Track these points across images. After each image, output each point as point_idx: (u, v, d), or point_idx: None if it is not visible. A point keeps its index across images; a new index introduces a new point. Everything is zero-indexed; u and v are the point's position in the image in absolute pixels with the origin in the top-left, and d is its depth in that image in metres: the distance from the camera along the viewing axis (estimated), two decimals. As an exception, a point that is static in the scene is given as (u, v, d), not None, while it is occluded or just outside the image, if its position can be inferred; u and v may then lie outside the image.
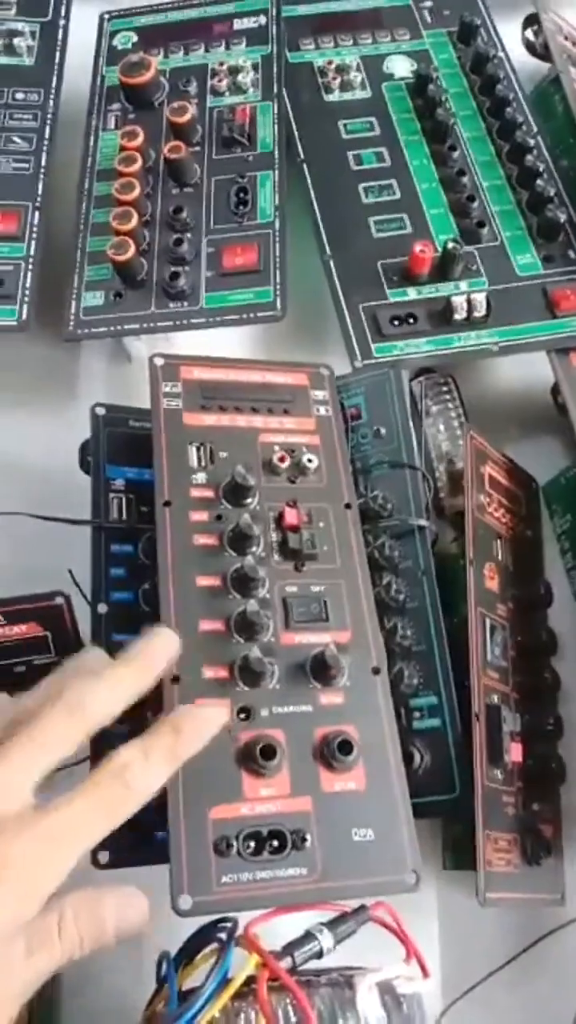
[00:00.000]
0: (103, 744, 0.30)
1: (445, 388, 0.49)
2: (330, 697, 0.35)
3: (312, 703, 0.34)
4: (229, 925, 0.31)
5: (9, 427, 0.48)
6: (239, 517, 0.37)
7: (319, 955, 0.31)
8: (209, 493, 0.37)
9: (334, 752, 0.33)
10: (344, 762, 0.33)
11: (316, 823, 0.32)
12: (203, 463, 0.38)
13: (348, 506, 0.39)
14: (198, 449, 0.38)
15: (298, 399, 0.41)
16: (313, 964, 0.31)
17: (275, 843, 0.32)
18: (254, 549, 0.37)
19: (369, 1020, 0.30)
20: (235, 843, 0.31)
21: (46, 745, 0.28)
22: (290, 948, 0.31)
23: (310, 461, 0.39)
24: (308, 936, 0.31)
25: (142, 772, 0.28)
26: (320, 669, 0.35)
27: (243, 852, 0.31)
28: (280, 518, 0.38)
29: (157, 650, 0.31)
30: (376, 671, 0.36)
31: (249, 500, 0.38)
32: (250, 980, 0.29)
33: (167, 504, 0.37)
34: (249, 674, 0.34)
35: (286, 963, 0.30)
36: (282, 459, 0.39)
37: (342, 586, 0.37)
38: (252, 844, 0.32)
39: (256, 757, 0.32)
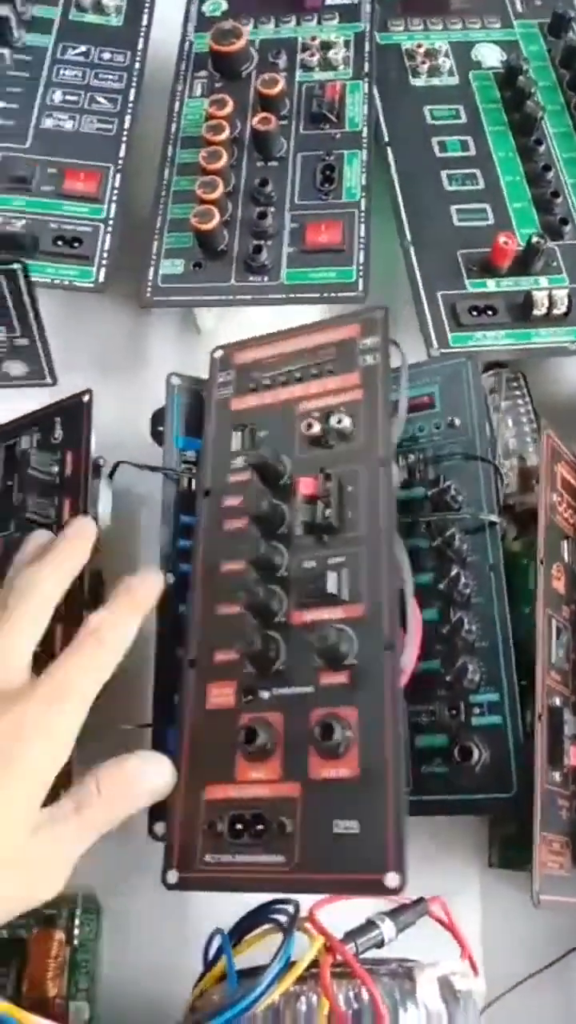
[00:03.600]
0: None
1: (515, 384, 0.49)
2: (334, 677, 0.33)
3: (315, 684, 0.33)
4: (290, 908, 0.31)
5: (81, 387, 0.48)
6: (261, 498, 0.36)
7: (380, 944, 0.31)
8: (245, 476, 0.37)
9: (318, 736, 0.31)
10: (329, 747, 0.31)
11: (300, 810, 0.31)
12: (245, 446, 0.37)
13: (383, 463, 0.35)
14: (241, 433, 0.38)
15: (344, 355, 0.38)
16: (371, 954, 0.31)
17: (259, 827, 0.31)
18: (281, 529, 0.35)
19: (430, 1012, 0.29)
20: (221, 824, 0.31)
21: (38, 616, 0.32)
22: (352, 935, 0.30)
23: (340, 422, 0.36)
24: (370, 924, 0.31)
25: (111, 628, 0.32)
26: (325, 649, 0.33)
27: (227, 834, 0.31)
28: (301, 488, 0.36)
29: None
30: (390, 646, 0.32)
31: (281, 474, 0.36)
32: (312, 964, 0.29)
33: (207, 493, 0.37)
34: (254, 657, 0.33)
35: (349, 949, 0.30)
36: (309, 426, 0.37)
37: (363, 555, 0.34)
38: (238, 827, 0.31)
39: (244, 740, 0.32)
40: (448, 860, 0.42)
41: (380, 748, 0.31)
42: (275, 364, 0.39)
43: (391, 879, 0.29)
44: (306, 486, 0.35)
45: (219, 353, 0.39)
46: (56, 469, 0.41)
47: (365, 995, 0.29)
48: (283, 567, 0.34)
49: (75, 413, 0.42)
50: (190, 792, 0.32)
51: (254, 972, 0.30)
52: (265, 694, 0.33)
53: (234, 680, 0.34)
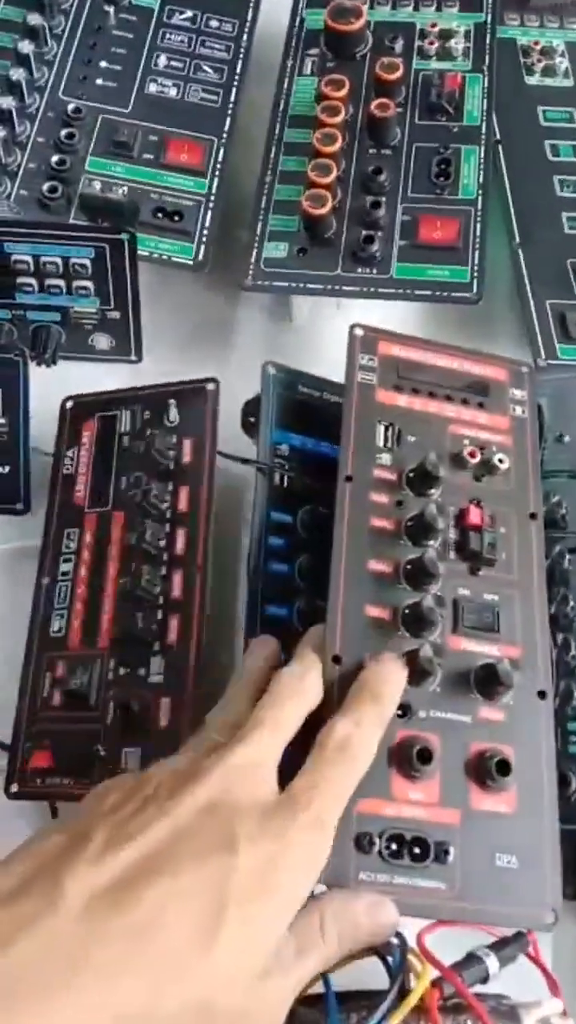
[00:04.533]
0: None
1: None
2: (491, 712, 0.33)
3: (471, 715, 0.32)
4: (394, 937, 0.29)
5: (164, 368, 0.46)
6: (423, 506, 0.34)
7: (485, 980, 0.30)
8: (392, 476, 0.35)
9: (490, 771, 0.31)
10: (499, 783, 0.31)
11: (461, 839, 0.31)
12: (389, 444, 0.36)
13: (533, 516, 0.36)
14: (386, 429, 0.36)
15: (495, 395, 0.38)
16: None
17: (417, 850, 0.30)
18: (432, 543, 0.35)
19: (538, 1055, 0.28)
20: (377, 841, 0.30)
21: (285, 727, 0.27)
22: (458, 968, 0.29)
23: (501, 462, 0.37)
24: (474, 958, 0.30)
25: (359, 742, 0.29)
26: (487, 682, 0.33)
27: (384, 852, 0.30)
28: (462, 515, 0.35)
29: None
30: (542, 695, 0.34)
31: (433, 491, 0.35)
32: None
33: (349, 479, 0.35)
34: (415, 671, 0.32)
35: (461, 984, 0.28)
36: (472, 454, 0.36)
37: (516, 598, 0.35)
38: (394, 846, 0.30)
39: (411, 758, 0.31)
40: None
41: (539, 789, 0.32)
42: (426, 372, 0.37)
43: (547, 916, 0.30)
44: (474, 515, 0.35)
45: (360, 332, 0.37)
46: (173, 454, 0.39)
47: (471, 1032, 0.27)
48: (437, 587, 0.34)
49: (197, 399, 0.40)
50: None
51: (348, 998, 0.29)
52: (423, 713, 0.32)
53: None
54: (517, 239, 0.46)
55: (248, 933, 0.24)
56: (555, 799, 0.32)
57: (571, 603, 0.38)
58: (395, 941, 0.29)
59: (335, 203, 0.44)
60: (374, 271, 0.43)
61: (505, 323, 0.48)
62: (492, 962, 0.30)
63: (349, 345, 0.37)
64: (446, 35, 0.49)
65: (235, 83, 0.47)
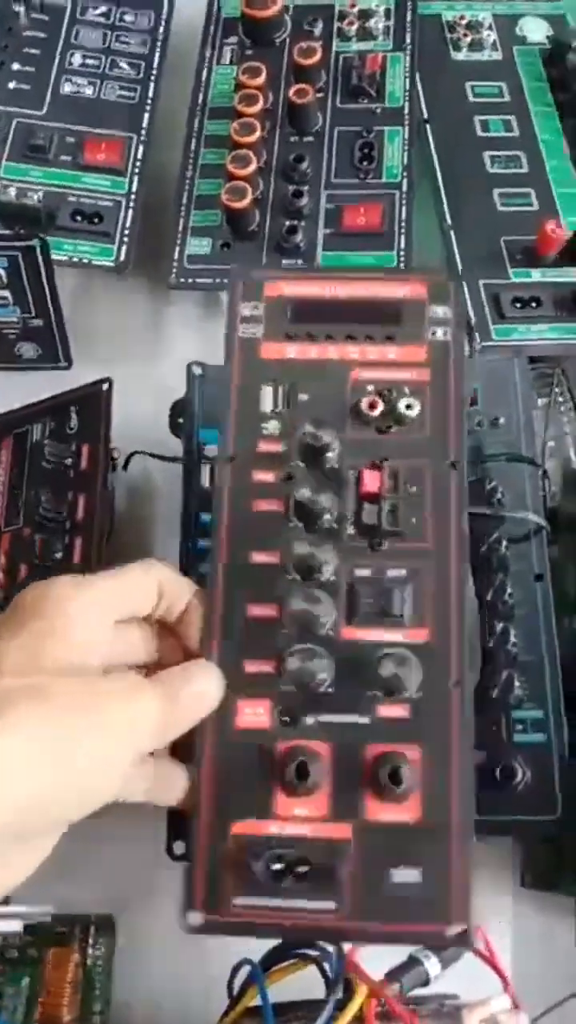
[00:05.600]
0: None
1: (555, 381, 0.46)
2: (393, 710, 0.29)
3: (370, 715, 0.29)
4: (330, 948, 0.29)
5: (97, 372, 0.45)
6: (306, 483, 0.30)
7: (425, 983, 0.29)
8: (278, 447, 0.31)
9: (383, 779, 0.28)
10: (396, 790, 0.28)
11: (353, 855, 0.27)
12: (278, 407, 0.31)
13: (454, 465, 0.31)
14: (275, 390, 0.31)
15: (409, 320, 0.32)
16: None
17: (302, 870, 0.27)
18: (327, 518, 0.30)
19: (478, 1057, 0.27)
20: (258, 864, 0.27)
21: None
22: (396, 974, 0.29)
23: (409, 408, 0.31)
24: (413, 962, 0.29)
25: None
26: (383, 676, 0.29)
27: (265, 875, 0.27)
28: (359, 482, 0.30)
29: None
30: (457, 684, 0.29)
31: (330, 455, 0.31)
32: (355, 1006, 0.27)
33: (231, 459, 0.30)
34: (297, 672, 0.29)
35: (392, 991, 0.28)
36: (372, 405, 0.31)
37: (429, 571, 0.30)
38: (277, 867, 0.27)
39: (291, 774, 0.28)
40: (478, 880, 0.40)
41: (446, 792, 0.28)
42: (323, 311, 0.32)
43: (454, 930, 0.27)
44: (371, 481, 0.30)
45: (242, 277, 0.32)
46: (70, 462, 0.38)
47: (410, 1038, 0.27)
48: (331, 571, 0.30)
49: (93, 403, 0.39)
50: (215, 825, 0.28)
51: (286, 1009, 0.28)
52: (310, 720, 0.29)
53: (268, 698, 0.29)
54: (448, 220, 0.45)
55: None
56: (470, 802, 0.28)
57: (508, 590, 0.37)
58: (332, 950, 0.29)
59: (257, 195, 0.43)
60: (299, 262, 0.42)
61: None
62: (432, 965, 0.29)
63: (230, 297, 0.32)
64: (366, 15, 0.48)
65: (152, 78, 0.46)
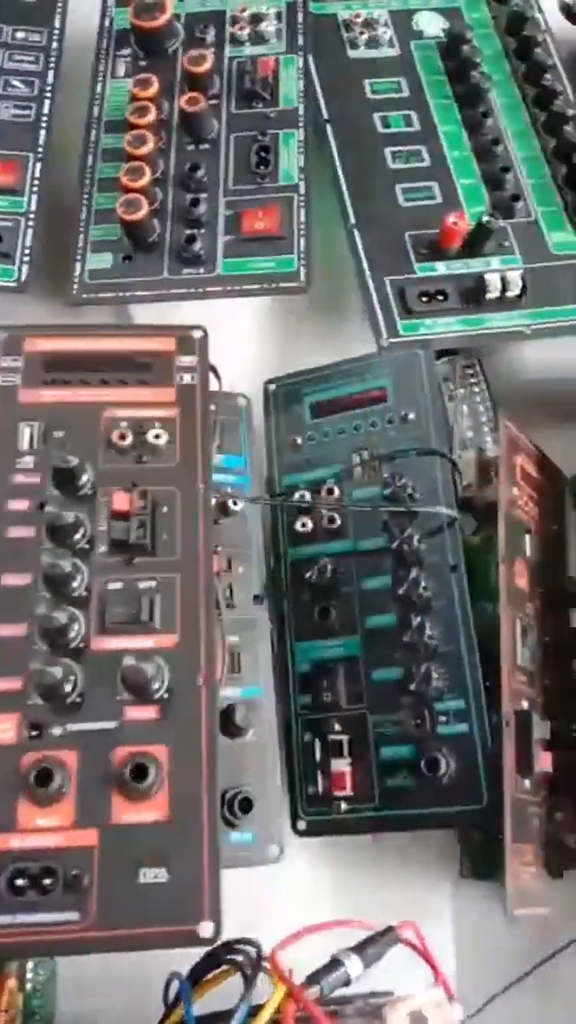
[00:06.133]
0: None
1: (471, 371, 0.47)
2: (141, 712, 0.30)
3: (118, 718, 0.30)
4: (251, 950, 0.29)
5: None
6: (55, 503, 0.33)
7: (346, 983, 0.29)
8: (35, 479, 0.34)
9: (127, 777, 0.29)
10: (138, 789, 0.29)
11: (99, 860, 0.28)
12: (35, 445, 0.34)
13: (203, 484, 0.35)
14: (31, 429, 0.35)
15: (159, 368, 0.37)
16: (338, 991, 0.29)
17: (47, 882, 0.28)
18: (75, 539, 0.33)
19: (401, 1054, 0.28)
20: None
21: None
22: (316, 976, 0.28)
23: (157, 438, 0.35)
24: (335, 963, 0.29)
25: None
26: (128, 680, 0.30)
27: (8, 891, 0.27)
28: (110, 504, 0.34)
29: None
30: (206, 683, 0.31)
31: (81, 482, 0.34)
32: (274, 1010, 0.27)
33: None
34: (43, 686, 0.30)
35: (313, 993, 0.28)
36: (122, 437, 0.35)
37: (177, 581, 0.33)
38: (19, 883, 0.28)
39: (31, 782, 0.28)
40: (418, 873, 0.40)
41: (194, 788, 0.29)
42: (78, 361, 0.36)
43: (205, 928, 0.28)
44: (119, 501, 0.33)
45: (2, 335, 0.36)
46: None
47: (333, 1040, 0.27)
48: (82, 586, 0.32)
49: None
50: None
51: (214, 1019, 0.28)
52: (57, 730, 0.30)
53: (16, 712, 0.30)
54: (352, 218, 0.45)
55: None
56: (216, 799, 0.29)
57: (422, 584, 0.37)
58: (252, 952, 0.29)
59: (155, 205, 0.43)
60: (201, 270, 0.42)
61: (360, 306, 0.47)
62: (354, 964, 0.29)
63: None
64: (257, 19, 0.48)
65: (47, 95, 0.46)
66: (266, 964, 0.28)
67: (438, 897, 0.40)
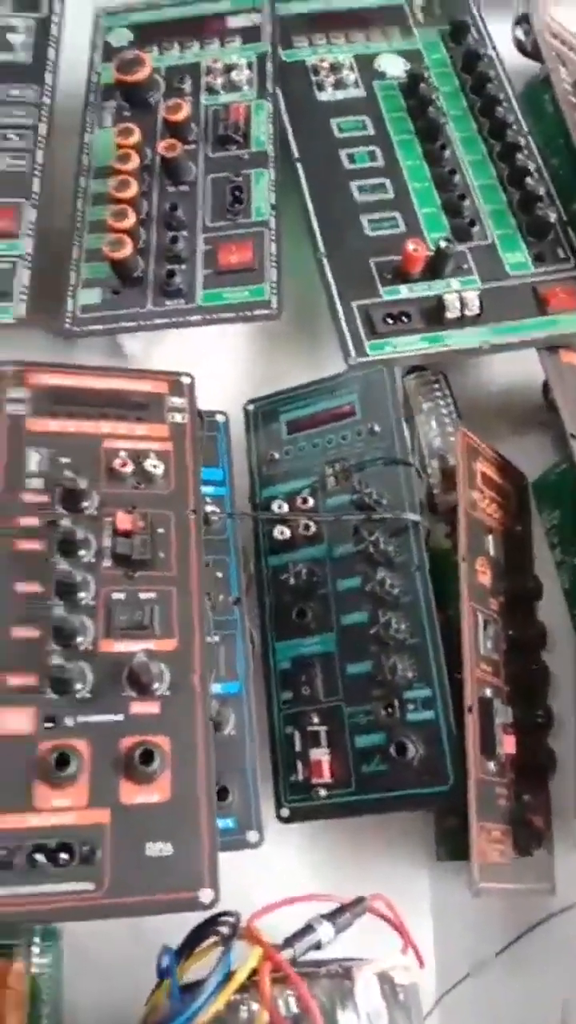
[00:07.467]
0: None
1: (436, 385, 0.50)
2: (144, 707, 0.34)
3: (124, 712, 0.34)
4: (232, 919, 0.31)
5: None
6: (67, 520, 0.37)
7: (318, 946, 0.32)
8: (43, 498, 0.37)
9: (136, 762, 0.32)
10: (145, 772, 0.32)
11: (111, 836, 0.31)
12: (42, 468, 0.38)
13: (194, 512, 0.39)
14: (39, 454, 0.38)
15: (153, 406, 0.41)
16: (312, 956, 0.32)
17: (64, 856, 0.31)
18: (82, 553, 0.37)
19: (368, 1011, 0.30)
20: (19, 854, 0.31)
21: None
22: (291, 941, 0.31)
23: (155, 467, 0.39)
24: (307, 928, 0.32)
25: None
26: (133, 677, 0.34)
27: (27, 864, 0.31)
28: (115, 522, 0.37)
29: None
30: (200, 682, 0.35)
31: (85, 504, 0.38)
32: (252, 973, 0.30)
33: None
34: (57, 681, 0.34)
35: (287, 955, 0.31)
36: (123, 464, 0.39)
37: (174, 594, 0.37)
38: (40, 857, 0.31)
39: (50, 766, 0.32)
40: (397, 856, 0.43)
41: (192, 773, 0.33)
42: (80, 396, 0.40)
43: (205, 895, 0.31)
44: (123, 521, 0.37)
45: (10, 368, 0.40)
46: None
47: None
48: (90, 595, 0.36)
49: None
50: None
51: (199, 985, 0.31)
52: (70, 721, 0.33)
53: (32, 706, 0.33)
54: (322, 248, 0.49)
55: None
56: (212, 781, 0.33)
57: (388, 582, 0.40)
58: (231, 920, 0.32)
59: (140, 244, 0.47)
60: (181, 302, 0.46)
61: (331, 330, 0.50)
62: (325, 929, 0.32)
63: None
64: (229, 68, 0.52)
65: (40, 146, 0.50)
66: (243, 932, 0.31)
67: (416, 879, 0.42)
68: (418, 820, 0.43)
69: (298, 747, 0.40)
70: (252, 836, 0.38)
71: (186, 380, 0.42)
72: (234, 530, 0.44)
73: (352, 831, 0.42)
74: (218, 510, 0.43)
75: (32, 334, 0.48)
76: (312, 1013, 0.28)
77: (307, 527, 0.43)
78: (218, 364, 0.51)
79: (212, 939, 0.33)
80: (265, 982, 0.29)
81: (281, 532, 0.44)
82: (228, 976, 0.30)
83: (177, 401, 0.41)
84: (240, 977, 0.29)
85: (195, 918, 0.33)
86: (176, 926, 0.34)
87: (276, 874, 0.41)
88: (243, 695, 0.40)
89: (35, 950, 0.38)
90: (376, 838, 0.42)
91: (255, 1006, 0.29)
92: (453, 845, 0.41)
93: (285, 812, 0.40)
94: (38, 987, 0.38)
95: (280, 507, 0.44)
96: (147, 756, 0.32)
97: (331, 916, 0.32)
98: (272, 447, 0.46)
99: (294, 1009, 0.29)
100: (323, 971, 0.31)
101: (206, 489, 0.42)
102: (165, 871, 0.31)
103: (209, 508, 0.42)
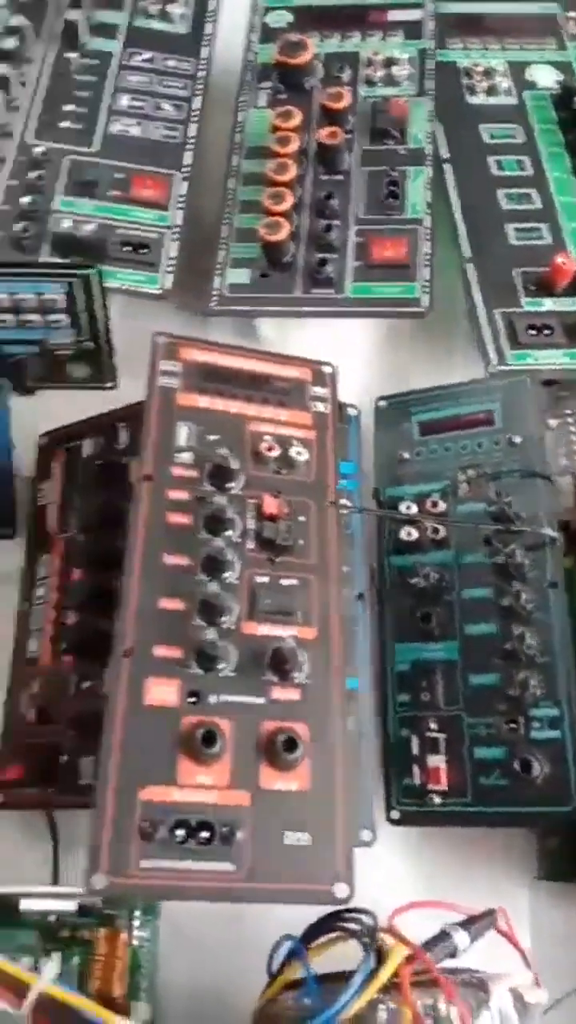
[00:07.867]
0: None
1: (566, 401, 0.49)
2: (285, 692, 0.34)
3: (265, 696, 0.33)
4: (367, 918, 0.31)
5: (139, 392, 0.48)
6: (216, 499, 0.36)
7: (454, 954, 0.31)
8: (193, 473, 0.37)
9: (279, 748, 0.32)
10: (287, 760, 0.32)
11: (251, 820, 0.31)
12: (191, 443, 0.37)
13: (332, 504, 0.38)
14: (188, 429, 0.38)
15: (296, 393, 0.40)
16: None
17: (204, 834, 0.30)
18: (229, 533, 0.36)
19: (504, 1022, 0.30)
20: (162, 828, 0.30)
21: None
22: (428, 945, 0.31)
23: (299, 454, 0.38)
24: (444, 935, 0.32)
25: None
26: (278, 663, 0.34)
27: (169, 838, 0.30)
28: (260, 506, 0.37)
29: None
30: (337, 672, 0.34)
31: (231, 484, 0.37)
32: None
33: (148, 478, 0.36)
34: (203, 657, 0.33)
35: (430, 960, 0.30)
36: (270, 448, 0.38)
37: (314, 583, 0.36)
38: (181, 832, 0.30)
39: (197, 742, 0.31)
40: (497, 870, 0.42)
41: (331, 765, 0.33)
42: (227, 376, 0.40)
43: (341, 889, 0.31)
44: (269, 505, 0.37)
45: (163, 340, 0.39)
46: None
47: (441, 1005, 0.29)
48: (234, 574, 0.35)
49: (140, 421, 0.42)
50: (122, 792, 0.30)
51: (330, 978, 0.31)
52: (213, 699, 0.33)
53: (176, 678, 0.33)
54: (467, 253, 0.48)
55: None
56: (348, 774, 0.33)
57: (523, 597, 0.40)
58: (368, 920, 0.31)
59: (292, 229, 0.46)
60: (331, 291, 0.45)
61: (463, 335, 0.50)
62: (461, 937, 0.32)
63: (152, 352, 0.39)
64: (390, 62, 0.51)
65: (194, 118, 0.50)
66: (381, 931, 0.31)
67: (517, 896, 0.42)
68: (519, 836, 0.43)
69: (415, 751, 0.40)
70: (366, 835, 0.38)
71: (328, 370, 0.42)
72: (362, 526, 0.44)
73: (455, 841, 0.42)
74: (348, 504, 0.42)
75: (162, 307, 0.48)
76: (464, 1018, 0.28)
77: (435, 531, 0.43)
78: (347, 356, 0.50)
79: (335, 934, 0.33)
80: (407, 983, 0.29)
81: (408, 533, 0.43)
82: (372, 974, 0.29)
83: (320, 391, 0.41)
84: (384, 975, 0.29)
85: (297, 909, 0.33)
86: (276, 914, 0.34)
87: (378, 875, 0.40)
88: (363, 692, 0.40)
89: (136, 923, 0.38)
90: (478, 850, 0.42)
91: (392, 1005, 0.29)
92: (555, 864, 0.41)
93: (396, 814, 0.40)
94: (138, 960, 0.38)
95: (408, 508, 0.44)
96: (290, 744, 0.32)
97: (465, 924, 0.32)
98: (402, 447, 0.46)
99: (431, 1013, 0.29)
100: (456, 980, 0.31)
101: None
102: (302, 861, 0.31)
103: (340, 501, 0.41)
